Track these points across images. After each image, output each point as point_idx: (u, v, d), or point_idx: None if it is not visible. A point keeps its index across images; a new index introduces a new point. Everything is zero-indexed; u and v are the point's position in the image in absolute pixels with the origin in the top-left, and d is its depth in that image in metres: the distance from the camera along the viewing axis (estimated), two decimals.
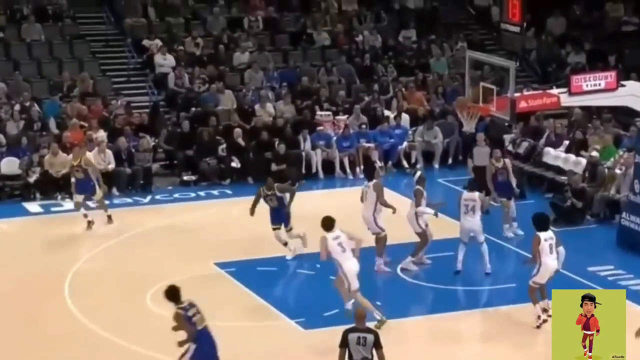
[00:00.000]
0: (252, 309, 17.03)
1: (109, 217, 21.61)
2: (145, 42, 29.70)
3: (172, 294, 12.99)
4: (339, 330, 15.59)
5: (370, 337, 12.38)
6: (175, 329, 12.88)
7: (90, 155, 22.61)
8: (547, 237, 15.91)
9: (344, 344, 12.47)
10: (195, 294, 17.19)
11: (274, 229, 19.11)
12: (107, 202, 22.07)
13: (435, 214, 18.64)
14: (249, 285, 17.82)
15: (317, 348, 15.37)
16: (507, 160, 21.73)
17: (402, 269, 18.68)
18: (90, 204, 21.65)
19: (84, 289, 17.67)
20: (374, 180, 18.54)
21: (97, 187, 21.30)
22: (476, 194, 18.69)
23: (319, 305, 16.86)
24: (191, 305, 12.95)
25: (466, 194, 18.70)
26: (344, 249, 15.63)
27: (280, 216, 19.08)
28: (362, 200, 18.66)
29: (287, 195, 19.14)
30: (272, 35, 31.22)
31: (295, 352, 15.45)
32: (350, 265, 15.68)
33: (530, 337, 15.82)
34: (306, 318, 16.42)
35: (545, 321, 15.71)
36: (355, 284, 15.72)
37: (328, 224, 15.78)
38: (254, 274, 18.28)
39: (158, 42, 29.50)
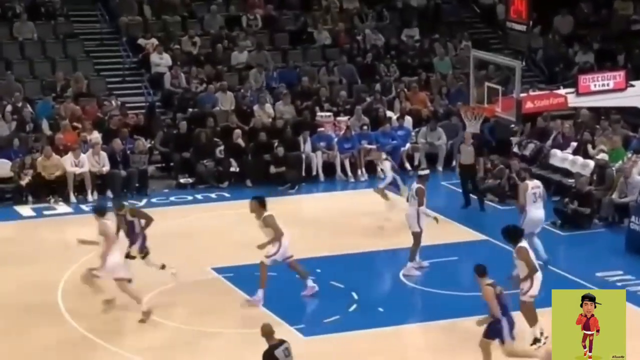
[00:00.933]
0: (251, 315, 16.65)
1: None
2: (141, 41, 29.39)
3: None
4: (340, 337, 15.52)
5: (289, 345, 12.59)
6: None
7: None
8: (527, 246, 15.43)
9: None
10: (192, 299, 17.06)
11: (142, 257, 17.21)
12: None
13: (436, 219, 18.62)
14: (248, 291, 17.46)
15: (317, 355, 15.16)
16: None
17: (405, 275, 18.42)
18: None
19: (78, 294, 17.34)
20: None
21: None
22: (538, 181, 18.69)
23: (319, 312, 16.73)
24: None
25: (532, 182, 18.59)
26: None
27: (135, 242, 17.18)
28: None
29: (142, 220, 17.25)
30: (271, 34, 30.95)
31: None
32: (118, 256, 16.22)
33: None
34: (306, 325, 16.21)
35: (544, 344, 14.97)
36: (119, 274, 16.23)
37: (102, 210, 16.57)
38: (252, 279, 17.84)
39: (154, 41, 29.20)
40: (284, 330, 15.96)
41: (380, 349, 15.36)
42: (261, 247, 16.72)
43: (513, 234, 15.30)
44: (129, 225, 17.10)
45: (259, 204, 16.82)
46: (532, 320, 15.08)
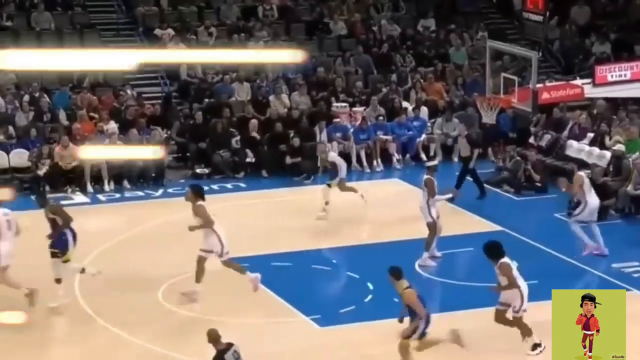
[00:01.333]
0: (267, 306, 16.78)
1: None
2: (157, 32, 29.43)
3: None
4: (356, 327, 15.49)
5: (238, 348, 12.48)
6: None
7: None
8: (509, 261, 14.89)
9: None
10: (208, 289, 17.02)
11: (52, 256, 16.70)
12: (117, 194, 21.59)
13: (452, 199, 19.03)
14: (263, 281, 17.38)
15: (333, 345, 15.22)
16: None
17: (420, 266, 18.37)
18: None
19: (95, 285, 17.36)
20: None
21: None
22: (583, 172, 19.37)
23: (335, 302, 16.75)
24: None
25: (583, 173, 19.06)
26: (10, 227, 16.40)
27: (59, 241, 16.69)
28: None
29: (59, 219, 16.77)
30: (287, 24, 30.93)
31: (311, 350, 15.23)
32: (8, 245, 16.27)
33: (547, 335, 15.24)
34: (322, 315, 16.20)
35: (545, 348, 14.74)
36: (3, 262, 16.19)
37: None
38: (268, 270, 17.89)
39: (170, 31, 29.24)
40: (299, 321, 16.08)
41: (395, 340, 15.33)
42: (191, 228, 16.79)
43: (494, 250, 14.70)
44: (52, 223, 16.77)
45: (193, 193, 16.94)
46: (527, 331, 14.90)
